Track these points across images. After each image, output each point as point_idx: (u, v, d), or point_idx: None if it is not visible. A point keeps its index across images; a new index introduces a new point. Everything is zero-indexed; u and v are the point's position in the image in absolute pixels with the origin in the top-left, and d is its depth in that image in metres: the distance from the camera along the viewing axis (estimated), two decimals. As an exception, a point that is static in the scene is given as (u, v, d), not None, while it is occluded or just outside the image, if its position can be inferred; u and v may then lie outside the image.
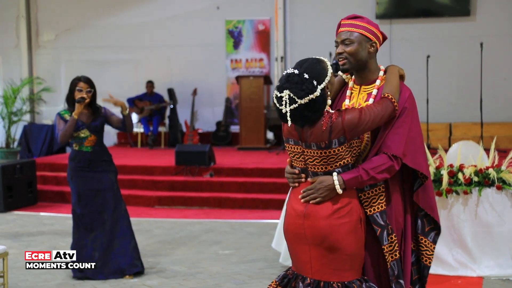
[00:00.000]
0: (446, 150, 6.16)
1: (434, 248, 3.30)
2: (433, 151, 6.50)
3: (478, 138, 10.02)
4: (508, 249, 5.62)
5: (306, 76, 2.99)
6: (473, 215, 5.68)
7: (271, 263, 6.28)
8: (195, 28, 14.14)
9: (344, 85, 3.38)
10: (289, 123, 3.02)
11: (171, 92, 13.90)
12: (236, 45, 14.11)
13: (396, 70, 3.22)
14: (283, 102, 3.00)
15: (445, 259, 5.65)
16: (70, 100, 5.77)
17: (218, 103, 14.05)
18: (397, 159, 3.07)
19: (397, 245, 3.14)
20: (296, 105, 2.98)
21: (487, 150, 6.13)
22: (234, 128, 13.79)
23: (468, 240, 5.67)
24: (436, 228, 3.30)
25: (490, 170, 5.69)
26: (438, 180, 5.68)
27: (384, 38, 3.30)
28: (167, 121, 14.03)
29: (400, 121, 3.11)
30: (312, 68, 3.03)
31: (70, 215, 9.11)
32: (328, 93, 3.06)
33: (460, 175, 5.68)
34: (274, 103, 3.06)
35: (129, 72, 14.55)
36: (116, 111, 6.06)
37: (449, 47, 12.87)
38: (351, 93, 3.30)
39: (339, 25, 3.26)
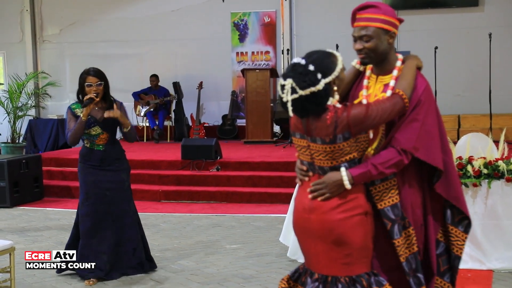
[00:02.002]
0: (455, 142, 6.10)
1: (466, 238, 3.25)
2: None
3: (487, 130, 9.96)
4: (518, 242, 5.57)
5: (311, 68, 2.94)
6: (482, 207, 5.63)
7: (278, 257, 6.25)
8: (200, 21, 14.09)
9: (359, 74, 3.31)
10: (290, 112, 2.99)
11: (176, 85, 13.86)
12: (242, 38, 14.05)
13: (414, 64, 3.15)
14: (285, 91, 2.97)
15: (454, 252, 5.60)
16: (81, 95, 5.46)
17: (224, 96, 14.00)
18: (406, 153, 3.01)
19: (414, 238, 3.09)
20: (297, 95, 2.94)
21: (496, 142, 6.07)
22: (240, 122, 13.74)
23: (477, 233, 5.62)
24: (466, 217, 3.25)
25: (500, 162, 5.63)
26: (447, 172, 5.62)
27: (400, 21, 3.19)
28: (172, 115, 14.00)
29: (413, 114, 3.05)
30: (320, 60, 2.98)
31: (77, 210, 9.12)
32: (335, 88, 3.00)
33: (469, 168, 5.63)
34: (277, 92, 3.03)
35: (134, 66, 14.52)
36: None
37: (457, 38, 12.78)
38: (368, 82, 3.23)
39: (354, 17, 3.17)
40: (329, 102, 2.99)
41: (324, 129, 2.96)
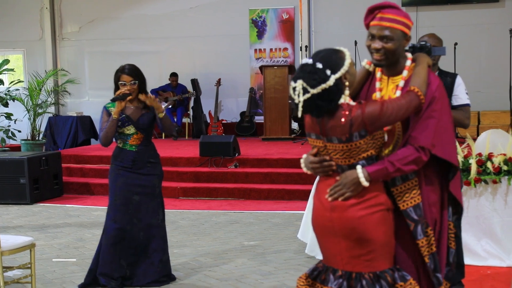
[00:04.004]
0: (474, 139, 6.06)
1: (454, 226, 3.25)
2: (461, 140, 6.40)
3: (507, 126, 9.88)
4: (538, 239, 5.52)
5: (319, 65, 2.94)
6: (502, 204, 5.59)
7: (297, 254, 6.24)
8: (219, 18, 14.11)
9: (369, 75, 3.29)
10: (299, 113, 2.99)
11: (194, 82, 13.89)
12: (260, 34, 14.05)
13: (425, 61, 3.15)
14: (297, 92, 2.97)
15: (474, 249, 5.57)
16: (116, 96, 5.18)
17: (242, 93, 14.01)
18: (424, 150, 3.00)
19: (433, 238, 3.09)
20: (309, 95, 2.93)
21: (516, 139, 6.01)
22: (259, 119, 13.75)
23: (497, 230, 5.58)
24: (458, 212, 3.27)
25: (520, 159, 5.58)
26: (466, 169, 5.58)
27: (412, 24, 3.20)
28: (191, 112, 14.04)
29: (429, 110, 3.03)
30: (327, 58, 2.98)
31: (96, 207, 9.16)
32: (347, 83, 3.00)
33: (489, 164, 5.59)
34: (290, 95, 3.03)
35: (153, 64, 14.57)
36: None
37: (477, 34, 12.67)
38: (381, 84, 3.22)
39: (373, 15, 3.14)
40: (341, 100, 2.99)
41: (339, 128, 2.96)
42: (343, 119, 2.94)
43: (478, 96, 12.56)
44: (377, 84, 3.22)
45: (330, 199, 3.05)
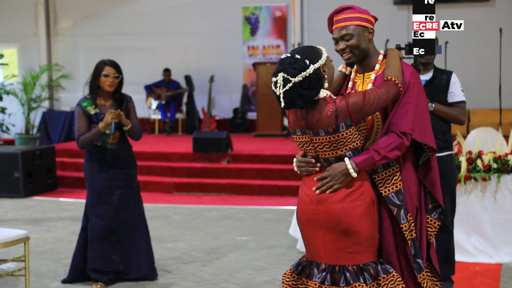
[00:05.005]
0: (464, 137, 6.14)
1: (438, 225, 3.31)
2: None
3: (497, 124, 9.96)
4: (527, 236, 5.60)
5: (297, 56, 3.05)
6: (491, 201, 5.66)
7: (288, 249, 6.31)
8: (212, 14, 14.13)
9: (345, 78, 3.42)
10: (282, 104, 3.05)
11: (188, 79, 13.93)
12: (253, 31, 14.09)
13: (396, 53, 3.27)
14: (278, 85, 3.05)
15: (463, 246, 5.64)
16: (94, 87, 5.14)
17: (235, 90, 14.05)
18: (406, 135, 3.10)
19: (413, 224, 3.17)
20: (291, 84, 3.02)
21: (506, 137, 6.11)
22: (251, 115, 13.80)
23: (487, 227, 5.65)
24: (439, 206, 3.32)
25: (509, 157, 5.66)
26: (456, 166, 5.66)
27: (375, 19, 3.31)
28: (184, 107, 14.07)
29: (406, 97, 3.14)
30: (304, 51, 3.09)
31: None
32: (326, 76, 3.09)
33: (479, 162, 5.66)
34: (273, 90, 3.09)
35: (146, 59, 14.59)
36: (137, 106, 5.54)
37: (468, 33, 12.71)
38: (354, 83, 3.34)
39: (331, 21, 3.29)
40: (323, 93, 3.07)
41: (325, 121, 3.04)
42: (328, 111, 3.02)
43: (468, 94, 12.55)
44: (349, 84, 3.34)
45: (318, 192, 3.12)
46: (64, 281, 5.34)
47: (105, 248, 5.20)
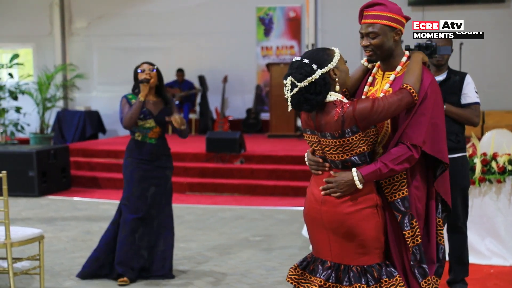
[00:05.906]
0: (479, 139, 6.11)
1: (442, 223, 3.31)
2: (466, 140, 6.44)
3: (512, 126, 9.89)
4: (541, 239, 5.56)
5: (305, 61, 3.07)
6: (506, 204, 5.63)
7: (301, 250, 6.30)
8: (226, 15, 14.15)
9: (367, 72, 3.39)
10: (290, 107, 3.10)
11: (201, 79, 13.96)
12: (267, 32, 14.10)
13: (419, 58, 3.21)
14: (286, 88, 3.09)
15: (477, 248, 5.62)
16: (137, 84, 5.36)
17: (248, 90, 14.07)
18: (416, 148, 3.07)
19: (418, 230, 3.15)
20: (297, 89, 3.05)
21: (521, 139, 6.06)
22: (264, 116, 13.81)
23: (501, 229, 5.62)
24: (447, 210, 3.32)
25: (524, 159, 5.63)
26: (471, 168, 5.63)
27: (407, 19, 3.26)
28: (197, 108, 14.11)
29: (421, 108, 3.10)
30: (314, 54, 3.10)
31: (103, 200, 9.22)
32: (337, 79, 3.09)
33: (493, 164, 5.63)
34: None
35: (160, 60, 14.49)
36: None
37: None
38: (374, 79, 3.31)
39: (361, 14, 3.25)
40: (333, 96, 3.07)
41: (332, 125, 3.05)
42: (335, 116, 3.03)
43: (483, 96, 12.53)
44: (369, 79, 3.31)
45: (323, 192, 3.14)
46: (81, 273, 5.41)
47: (136, 242, 5.31)
